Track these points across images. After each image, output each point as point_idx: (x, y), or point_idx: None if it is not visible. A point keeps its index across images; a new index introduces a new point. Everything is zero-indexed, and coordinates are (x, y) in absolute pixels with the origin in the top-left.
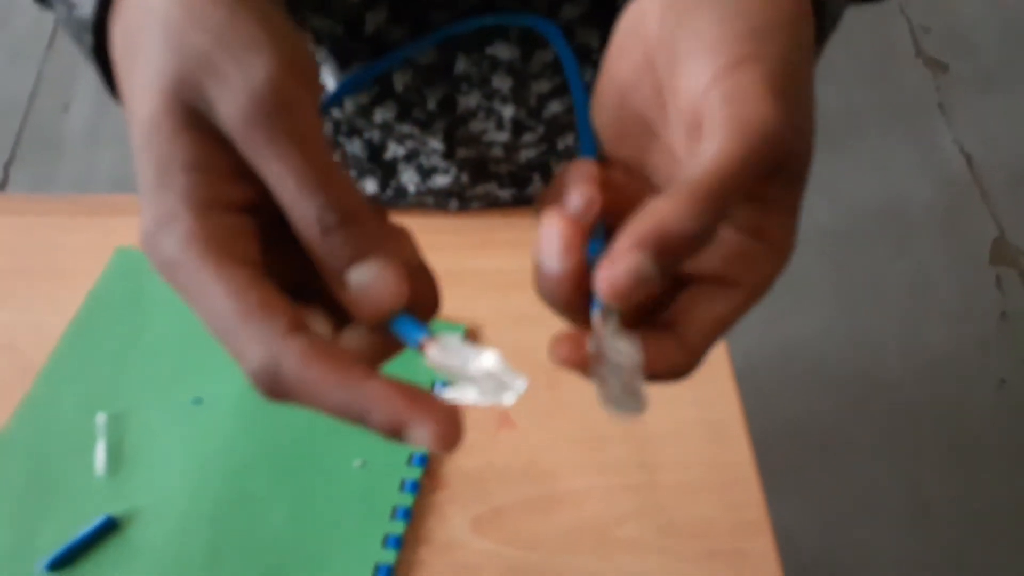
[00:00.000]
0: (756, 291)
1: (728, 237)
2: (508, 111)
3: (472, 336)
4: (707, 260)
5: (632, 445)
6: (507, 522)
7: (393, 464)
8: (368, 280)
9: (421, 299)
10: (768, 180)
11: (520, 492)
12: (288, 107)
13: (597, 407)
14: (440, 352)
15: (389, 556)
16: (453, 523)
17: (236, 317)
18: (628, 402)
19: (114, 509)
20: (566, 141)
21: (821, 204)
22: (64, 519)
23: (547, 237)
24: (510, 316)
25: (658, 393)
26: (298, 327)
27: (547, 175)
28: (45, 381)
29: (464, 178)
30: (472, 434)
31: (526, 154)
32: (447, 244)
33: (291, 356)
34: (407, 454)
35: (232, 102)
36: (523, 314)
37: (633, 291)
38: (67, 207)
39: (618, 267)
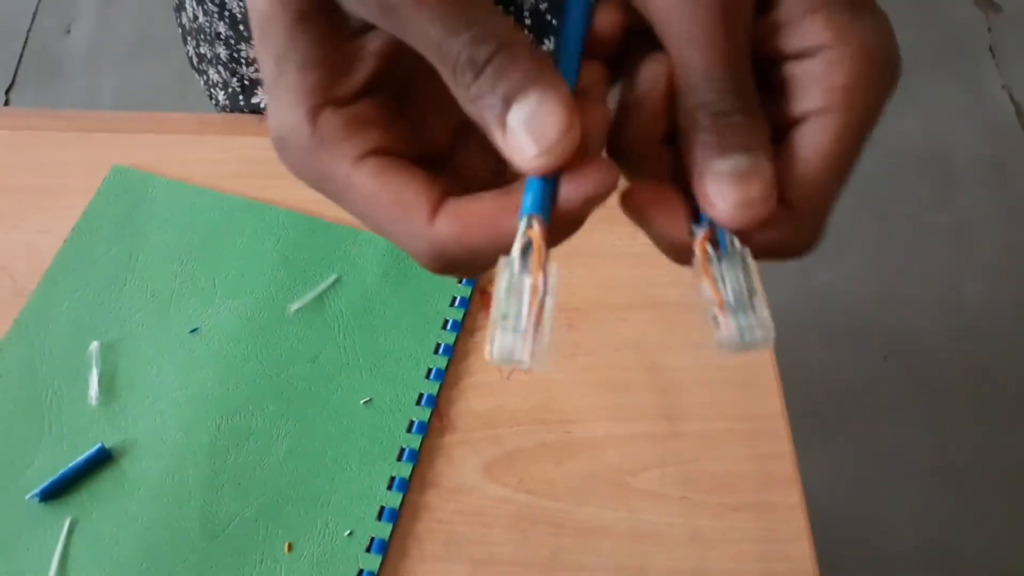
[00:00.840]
0: (852, 105)
1: (784, 76)
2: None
3: (487, 274)
4: (775, 108)
5: (655, 392)
6: (519, 467)
7: (401, 404)
8: (528, 114)
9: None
10: (761, 11)
11: (534, 437)
12: None
13: (617, 349)
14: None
15: (394, 499)
16: (463, 466)
17: (380, 220)
18: (751, 325)
19: (108, 439)
20: (550, 48)
21: None
22: (56, 449)
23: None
24: None
25: (684, 338)
26: (438, 206)
27: None
28: (36, 305)
29: None
30: (483, 375)
31: None
32: None
33: (443, 241)
34: (416, 394)
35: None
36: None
37: (755, 192)
38: (62, 123)
39: (719, 189)
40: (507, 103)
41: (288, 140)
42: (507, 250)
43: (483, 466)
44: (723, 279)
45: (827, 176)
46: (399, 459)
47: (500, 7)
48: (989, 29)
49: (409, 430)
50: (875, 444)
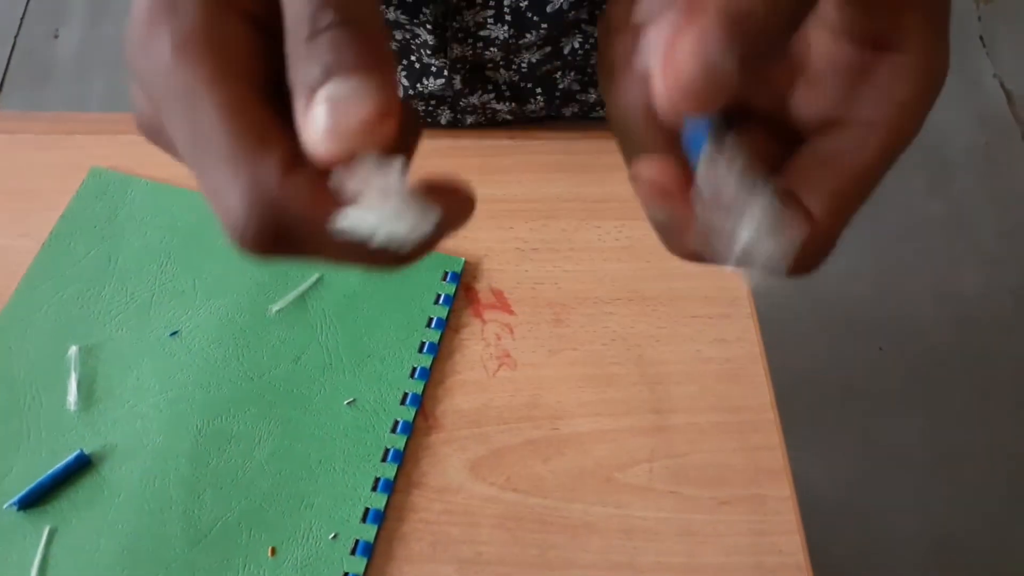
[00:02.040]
0: (899, 127)
1: (837, 53)
2: None
3: (471, 269)
4: (817, 95)
5: (643, 386)
6: (507, 466)
7: (385, 403)
8: (339, 94)
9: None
10: None
11: (521, 434)
12: None
13: (605, 343)
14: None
15: (379, 500)
16: (449, 466)
17: (228, 138)
18: (770, 245)
19: (87, 445)
20: (571, 43)
21: None
22: (34, 456)
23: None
24: (512, 248)
25: (672, 331)
26: (297, 160)
27: (550, 91)
28: (14, 309)
29: (457, 82)
30: (469, 373)
31: (528, 57)
32: (441, 168)
33: (292, 190)
34: (400, 393)
35: None
36: (526, 246)
37: (708, 84)
38: (41, 125)
39: (682, 53)
40: (326, 75)
41: (170, 22)
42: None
43: (469, 465)
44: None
45: (856, 194)
46: (384, 460)
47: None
48: (979, 18)
49: (394, 430)
50: (871, 435)
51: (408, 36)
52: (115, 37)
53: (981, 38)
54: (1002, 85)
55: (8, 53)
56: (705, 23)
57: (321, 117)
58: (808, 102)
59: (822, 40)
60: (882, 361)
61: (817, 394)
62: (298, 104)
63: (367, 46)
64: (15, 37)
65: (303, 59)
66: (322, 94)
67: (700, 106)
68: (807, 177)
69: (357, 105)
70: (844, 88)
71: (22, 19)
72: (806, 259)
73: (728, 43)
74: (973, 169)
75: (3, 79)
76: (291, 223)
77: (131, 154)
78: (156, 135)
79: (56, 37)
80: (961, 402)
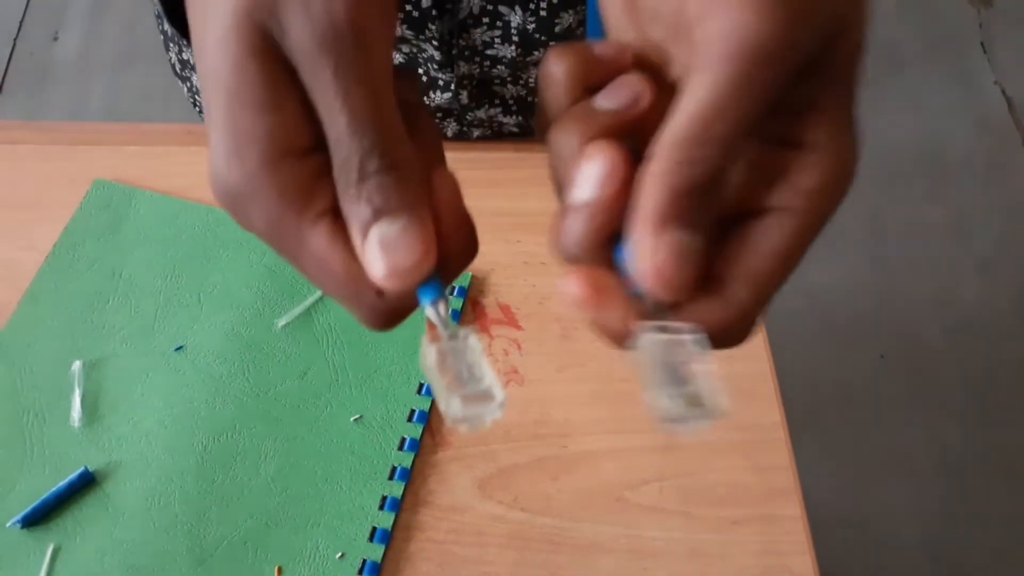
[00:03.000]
0: (812, 211)
1: (760, 155)
2: (516, 18)
3: (478, 283)
4: (741, 189)
5: None
6: (515, 484)
7: (392, 420)
8: (389, 235)
9: (450, 257)
10: (793, 87)
11: (529, 452)
12: (362, 40)
13: (614, 359)
14: (440, 346)
15: (387, 519)
16: (457, 484)
17: (328, 285)
18: (698, 410)
19: (91, 462)
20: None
21: None
22: (38, 473)
23: (591, 163)
24: (519, 262)
25: None
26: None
27: None
28: (17, 323)
29: (464, 96)
30: None
31: (535, 73)
32: None
33: (392, 311)
34: (407, 410)
35: (307, 25)
36: (533, 260)
37: (682, 270)
38: (45, 136)
39: (659, 254)
40: (376, 216)
41: (239, 188)
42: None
43: (477, 483)
44: (659, 362)
45: (776, 275)
46: (391, 478)
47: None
48: (980, 25)
49: (401, 447)
50: (873, 442)
51: (415, 50)
52: (115, 39)
53: (982, 44)
54: (1003, 91)
55: (8, 55)
56: (660, 222)
57: (377, 259)
58: (738, 197)
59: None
60: (883, 368)
61: (818, 401)
62: (355, 239)
63: (409, 189)
64: (15, 39)
65: (354, 199)
66: (374, 234)
67: (685, 292)
68: (728, 262)
69: (404, 246)
70: (757, 182)
71: (22, 21)
72: (729, 338)
73: (690, 229)
74: (974, 176)
75: (3, 81)
76: (399, 309)
77: (135, 165)
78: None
79: (56, 39)
80: (962, 409)
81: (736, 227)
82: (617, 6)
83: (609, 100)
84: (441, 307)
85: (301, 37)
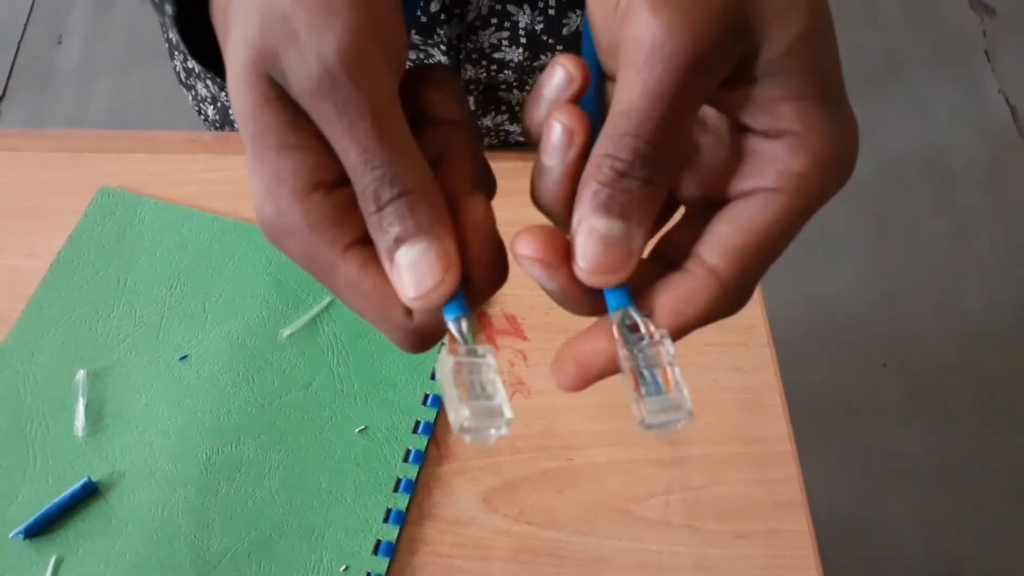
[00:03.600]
0: (798, 193)
1: (746, 143)
2: (524, 18)
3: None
4: (725, 174)
5: None
6: (520, 497)
7: (397, 431)
8: (412, 261)
9: (478, 278)
10: (735, 82)
11: (535, 465)
12: (358, 76)
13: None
14: (459, 359)
15: (391, 532)
16: (461, 497)
17: (362, 309)
18: (671, 410)
19: (94, 472)
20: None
21: (858, 151)
22: (41, 483)
23: (553, 129)
24: (525, 273)
25: (688, 359)
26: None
27: None
28: (21, 332)
29: (470, 103)
30: None
31: None
32: None
33: (424, 332)
34: (412, 421)
35: (302, 71)
36: None
37: (606, 256)
38: (50, 143)
39: (581, 240)
40: (398, 243)
41: (275, 223)
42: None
43: (482, 496)
44: (641, 361)
45: (760, 252)
46: (395, 490)
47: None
48: (984, 33)
49: (406, 459)
50: (876, 450)
51: (422, 56)
52: (118, 44)
53: (986, 53)
54: (1006, 100)
55: (12, 59)
56: (583, 210)
57: (404, 282)
58: (711, 185)
59: (714, 137)
60: (885, 376)
61: (820, 409)
62: (385, 263)
63: (425, 213)
64: (19, 43)
65: (376, 228)
66: (399, 258)
67: (614, 277)
68: (713, 239)
69: (426, 267)
70: (744, 167)
71: (26, 25)
72: (712, 314)
73: (617, 219)
74: (978, 184)
75: (6, 85)
76: (429, 329)
77: (140, 173)
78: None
79: (60, 43)
80: (964, 417)
81: (723, 210)
82: (598, 16)
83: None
84: (464, 323)
85: (299, 85)
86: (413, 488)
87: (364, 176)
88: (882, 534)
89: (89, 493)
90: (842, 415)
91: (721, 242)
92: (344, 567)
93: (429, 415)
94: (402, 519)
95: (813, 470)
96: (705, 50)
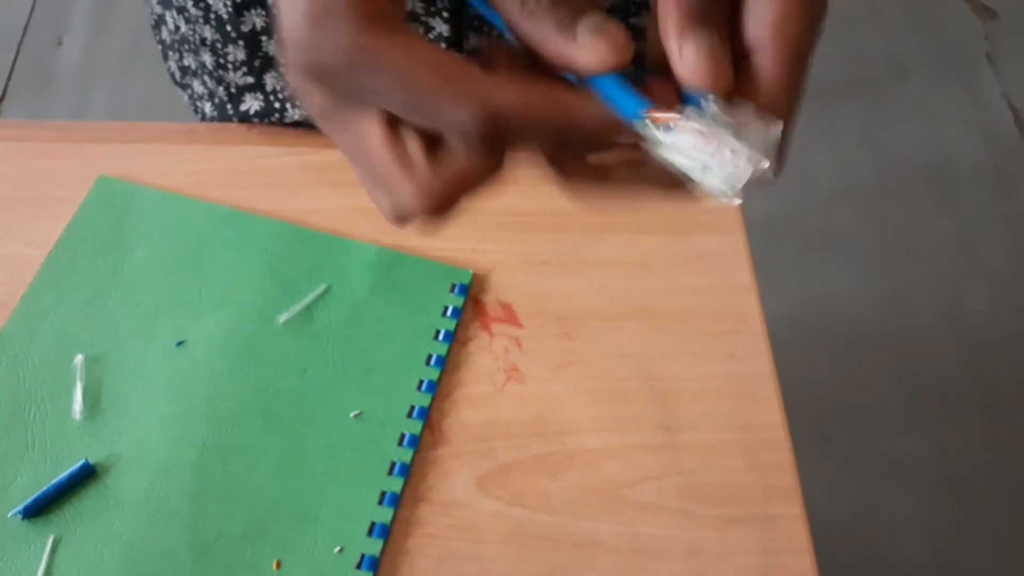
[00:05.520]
0: (783, 34)
1: None
2: None
3: (479, 281)
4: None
5: (652, 402)
6: (514, 481)
7: (392, 416)
8: (596, 24)
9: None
10: None
11: (529, 450)
12: None
13: (615, 359)
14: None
15: (385, 514)
16: (456, 481)
17: (439, 79)
18: (759, 145)
19: (92, 455)
20: None
21: (861, 155)
22: (39, 465)
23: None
24: (521, 260)
25: (682, 347)
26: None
27: None
28: (19, 318)
29: None
30: (476, 387)
31: None
32: None
33: (502, 99)
34: (407, 406)
35: None
36: (535, 259)
37: (716, 61)
38: (49, 133)
39: (690, 54)
40: (575, 16)
41: (316, 12)
42: (559, 129)
43: (476, 480)
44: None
45: (784, 83)
46: (390, 473)
47: None
48: (986, 36)
49: (400, 443)
50: (879, 454)
51: (423, 30)
52: (119, 45)
53: (988, 56)
54: (1009, 103)
55: (12, 60)
56: (680, 30)
57: (595, 41)
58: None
59: None
60: (888, 380)
61: (823, 413)
62: (557, 44)
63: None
64: (19, 44)
65: (548, 10)
66: (583, 27)
67: (727, 80)
68: (742, 44)
69: (614, 26)
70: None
71: (26, 26)
72: (781, 104)
73: (706, 28)
74: (980, 188)
75: (6, 86)
76: (516, 117)
77: (138, 163)
78: (337, 121)
79: (60, 44)
80: (967, 422)
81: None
82: None
83: None
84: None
85: None
86: (407, 472)
87: None
88: (885, 540)
89: (86, 475)
90: (846, 418)
91: (752, 41)
92: (339, 548)
93: (424, 400)
94: (396, 502)
95: (815, 474)
96: None
